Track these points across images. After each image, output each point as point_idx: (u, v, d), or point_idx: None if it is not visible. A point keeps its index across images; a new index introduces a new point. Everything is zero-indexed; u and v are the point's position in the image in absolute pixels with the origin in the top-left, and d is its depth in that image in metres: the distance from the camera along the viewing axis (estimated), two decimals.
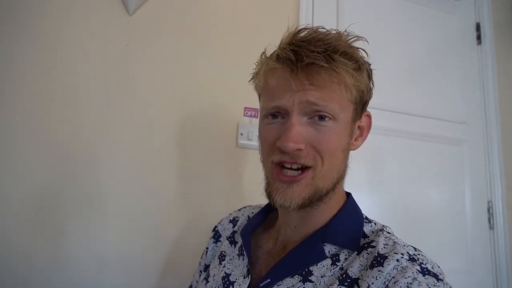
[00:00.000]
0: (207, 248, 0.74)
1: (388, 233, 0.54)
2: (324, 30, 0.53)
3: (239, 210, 0.75)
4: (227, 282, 0.59)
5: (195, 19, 1.03)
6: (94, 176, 0.88)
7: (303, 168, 0.52)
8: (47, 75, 0.87)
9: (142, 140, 0.93)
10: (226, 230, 0.72)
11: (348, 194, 0.62)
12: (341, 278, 0.50)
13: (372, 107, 1.18)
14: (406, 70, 1.32)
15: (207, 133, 1.00)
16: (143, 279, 0.89)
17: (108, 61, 0.93)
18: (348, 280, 0.49)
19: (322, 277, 0.51)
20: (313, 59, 0.49)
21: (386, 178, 1.22)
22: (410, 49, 1.33)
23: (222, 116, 1.01)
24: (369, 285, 0.47)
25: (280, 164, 0.53)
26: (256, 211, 0.69)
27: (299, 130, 0.50)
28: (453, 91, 1.38)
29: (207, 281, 0.65)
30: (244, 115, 1.03)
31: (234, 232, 0.69)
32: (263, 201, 0.68)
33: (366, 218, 0.59)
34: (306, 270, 0.53)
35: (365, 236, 0.55)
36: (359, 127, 0.58)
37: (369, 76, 0.56)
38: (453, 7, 1.43)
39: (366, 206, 1.18)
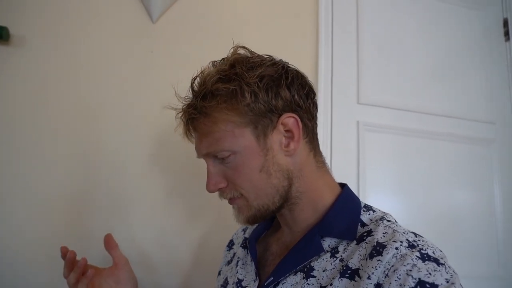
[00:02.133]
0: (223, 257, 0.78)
1: (389, 221, 0.54)
2: (203, 71, 0.59)
3: None
4: (240, 287, 0.62)
5: (217, 26, 1.04)
6: (118, 180, 0.91)
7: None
8: (73, 82, 0.91)
9: (165, 142, 0.95)
10: (238, 238, 0.75)
11: (343, 185, 0.62)
12: (342, 270, 0.50)
13: (395, 107, 1.19)
14: (430, 69, 1.29)
15: None
16: (168, 277, 0.91)
17: (133, 67, 0.96)
18: (349, 272, 0.49)
19: (324, 271, 0.52)
20: (188, 115, 0.57)
21: (411, 181, 1.20)
22: (433, 48, 1.30)
23: None
24: (369, 276, 0.47)
25: None
26: None
27: (214, 174, 0.58)
28: (480, 90, 1.34)
29: (224, 287, 0.68)
30: None
31: (246, 239, 0.71)
32: None
33: (365, 206, 0.58)
34: (308, 266, 0.53)
35: (363, 224, 0.55)
36: (287, 131, 0.56)
37: (259, 83, 0.53)
38: (478, 3, 1.39)
39: (391, 209, 1.15)
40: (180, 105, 0.60)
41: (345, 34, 1.20)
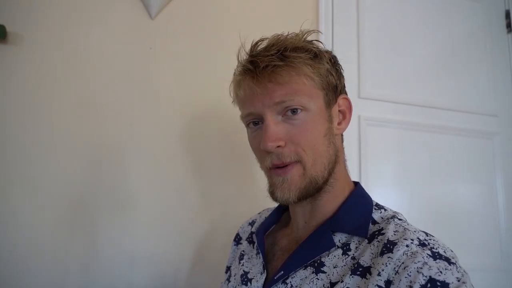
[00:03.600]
0: (230, 252, 0.78)
1: (400, 219, 0.54)
2: (280, 35, 0.57)
3: (259, 213, 0.78)
4: (246, 279, 0.62)
5: (215, 22, 1.04)
6: (122, 177, 0.91)
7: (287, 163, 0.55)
8: (71, 80, 0.90)
9: (166, 141, 0.95)
10: (245, 232, 0.75)
11: (356, 183, 0.62)
12: (353, 268, 0.50)
13: (397, 101, 1.18)
14: (431, 62, 1.28)
15: (227, 132, 1.01)
16: (173, 275, 0.91)
17: (132, 64, 0.95)
18: (360, 269, 0.49)
19: (334, 267, 0.52)
20: (268, 61, 0.53)
21: (414, 174, 1.19)
22: (435, 41, 1.29)
23: None
24: (379, 272, 0.46)
25: (273, 167, 0.55)
26: (271, 212, 0.72)
27: (275, 129, 0.54)
28: (482, 83, 1.33)
29: (229, 281, 0.68)
30: None
31: (252, 233, 0.71)
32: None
33: (377, 204, 0.58)
34: (318, 261, 0.53)
35: (375, 222, 0.55)
36: (340, 111, 0.60)
37: (332, 62, 0.59)
38: None
39: (395, 202, 1.18)
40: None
41: (346, 28, 1.19)
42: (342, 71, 0.62)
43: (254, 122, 0.58)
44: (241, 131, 1.01)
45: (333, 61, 0.59)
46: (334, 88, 0.58)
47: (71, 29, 0.91)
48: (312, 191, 0.55)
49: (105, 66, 0.93)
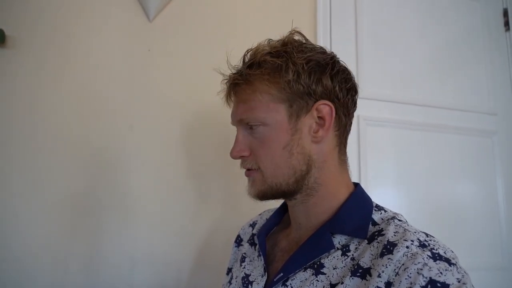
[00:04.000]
0: (231, 253, 0.78)
1: (400, 220, 0.54)
2: (259, 46, 0.60)
3: (259, 214, 0.78)
4: (247, 282, 0.62)
5: (213, 24, 1.04)
6: (122, 179, 0.91)
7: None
8: (71, 81, 0.90)
9: (166, 142, 0.95)
10: (246, 234, 0.75)
11: (356, 185, 0.62)
12: (353, 269, 0.50)
13: (396, 101, 1.19)
14: (430, 61, 1.28)
15: (225, 135, 1.00)
16: (174, 276, 0.91)
17: (130, 66, 0.95)
18: (360, 271, 0.49)
19: (334, 268, 0.52)
20: (233, 78, 0.60)
21: (414, 173, 1.19)
22: (433, 40, 1.29)
23: None
24: (379, 274, 0.46)
25: None
26: (272, 213, 0.72)
27: (241, 141, 0.60)
28: (481, 81, 1.33)
29: (230, 283, 0.68)
30: None
31: (253, 235, 0.71)
32: (278, 203, 0.69)
33: (377, 206, 0.58)
34: (318, 263, 0.53)
35: (375, 223, 0.55)
36: (319, 117, 0.56)
37: (303, 67, 0.55)
38: None
39: (394, 202, 1.18)
40: (227, 72, 0.63)
41: (343, 27, 1.19)
42: (327, 74, 0.57)
43: None
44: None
45: (307, 68, 0.55)
46: (305, 95, 0.55)
47: (70, 32, 0.91)
48: (277, 195, 0.59)
49: (104, 68, 0.93)
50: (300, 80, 0.55)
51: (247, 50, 0.61)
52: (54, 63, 0.89)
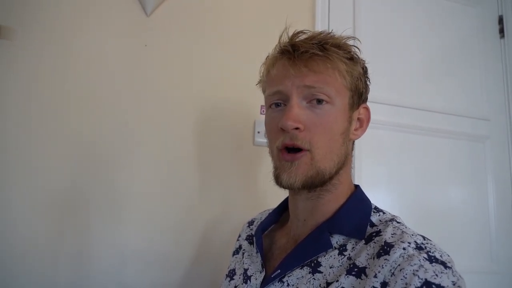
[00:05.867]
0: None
1: (398, 222, 0.54)
2: (321, 32, 0.59)
3: (260, 213, 0.79)
4: (245, 277, 0.62)
5: (211, 19, 1.03)
6: (115, 174, 0.90)
7: (296, 150, 0.55)
8: (67, 76, 0.89)
9: (161, 138, 0.95)
10: (244, 232, 0.76)
11: (356, 186, 0.62)
12: (349, 268, 0.50)
13: (391, 104, 1.19)
14: (425, 66, 1.29)
15: (224, 131, 1.00)
16: (165, 275, 0.91)
17: (127, 61, 0.94)
18: (356, 270, 0.49)
19: (331, 267, 0.52)
20: (308, 48, 0.54)
21: (406, 176, 1.20)
22: (429, 44, 1.30)
23: (239, 114, 1.02)
24: (375, 274, 0.47)
25: (283, 149, 0.56)
26: (271, 211, 0.72)
27: (298, 112, 0.54)
28: (475, 87, 1.34)
29: (231, 278, 0.68)
30: (261, 113, 1.03)
31: (252, 235, 0.72)
32: (280, 199, 0.70)
33: (376, 208, 0.59)
34: (315, 261, 0.54)
35: (373, 225, 0.55)
36: (358, 119, 0.60)
37: (363, 70, 0.60)
38: (474, 0, 1.39)
39: (386, 204, 1.18)
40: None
41: (341, 30, 1.19)
42: (369, 83, 0.63)
43: (277, 103, 0.58)
44: (236, 130, 1.01)
45: (365, 70, 0.61)
46: (360, 94, 0.59)
47: (66, 24, 0.90)
48: (318, 183, 0.55)
49: (100, 62, 0.92)
50: (363, 78, 0.60)
51: (302, 30, 0.58)
52: (49, 56, 0.88)
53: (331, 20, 1.18)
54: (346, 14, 1.21)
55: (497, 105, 1.36)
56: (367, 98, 0.63)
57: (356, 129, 0.60)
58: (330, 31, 0.59)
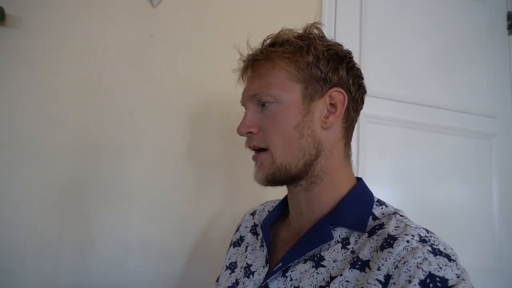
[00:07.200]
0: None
1: (401, 216, 0.54)
2: (281, 31, 0.61)
3: (262, 204, 0.79)
4: (248, 272, 0.62)
5: (217, 11, 1.03)
6: (119, 166, 0.90)
7: (260, 150, 0.59)
8: (71, 65, 0.89)
9: (164, 130, 0.94)
10: (246, 221, 0.76)
11: (359, 179, 0.62)
12: (352, 261, 0.50)
13: (396, 99, 1.18)
14: (431, 62, 1.28)
15: (227, 124, 1.00)
16: (167, 266, 0.91)
17: (133, 53, 0.94)
18: (359, 263, 0.49)
19: (334, 261, 0.52)
20: (252, 56, 0.61)
21: (410, 173, 1.20)
22: (436, 41, 1.29)
23: (243, 108, 1.01)
24: (379, 267, 0.47)
25: (253, 150, 0.61)
26: (275, 204, 0.72)
27: (250, 118, 0.60)
28: (482, 84, 1.33)
29: (232, 271, 0.68)
30: None
31: (255, 225, 0.72)
32: (279, 193, 0.69)
33: (378, 200, 0.59)
34: (318, 255, 0.54)
35: (375, 218, 0.55)
36: (331, 104, 0.58)
37: (324, 55, 0.58)
38: None
39: (389, 200, 1.16)
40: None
41: (348, 27, 1.18)
42: (343, 65, 0.59)
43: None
44: (239, 123, 1.01)
45: (327, 55, 0.58)
46: (321, 80, 0.57)
47: (71, 14, 0.90)
48: (285, 178, 0.57)
49: (105, 53, 0.92)
50: (319, 64, 0.57)
51: (268, 36, 0.62)
52: (53, 46, 0.88)
53: (337, 15, 1.17)
54: (353, 10, 1.20)
55: (504, 102, 1.35)
56: (342, 83, 0.58)
57: (327, 117, 0.57)
58: (291, 28, 0.61)
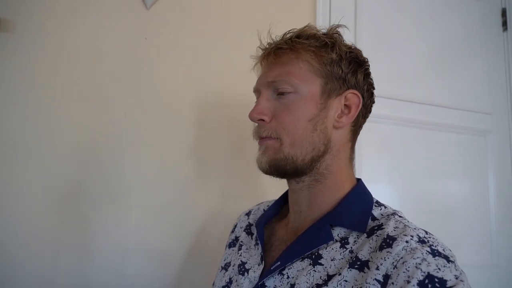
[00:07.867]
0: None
1: (400, 216, 0.54)
2: (308, 27, 0.61)
3: (257, 204, 0.79)
4: (243, 269, 0.62)
5: (212, 13, 1.02)
6: (117, 167, 0.90)
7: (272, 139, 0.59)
8: (66, 68, 0.88)
9: (160, 131, 0.94)
10: (241, 222, 0.76)
11: (358, 180, 0.63)
12: (351, 261, 0.50)
13: (391, 97, 1.18)
14: (428, 59, 1.28)
15: (223, 124, 1.00)
16: (165, 267, 0.91)
17: (127, 55, 0.94)
18: (358, 263, 0.49)
19: (332, 260, 0.52)
20: (276, 45, 0.60)
21: (407, 170, 1.20)
22: (431, 38, 1.29)
23: (239, 107, 1.01)
24: (378, 266, 0.47)
25: (257, 138, 0.61)
26: (271, 203, 0.72)
27: (264, 104, 0.59)
28: (477, 81, 1.34)
29: (226, 270, 0.68)
30: None
31: (250, 224, 0.72)
32: (279, 192, 0.70)
33: (377, 202, 0.59)
34: (316, 254, 0.54)
35: (374, 219, 0.55)
36: (346, 105, 0.59)
37: (346, 57, 0.59)
38: None
39: (387, 198, 1.18)
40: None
41: (343, 23, 1.18)
42: (362, 70, 0.61)
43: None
44: (236, 123, 1.01)
45: (349, 56, 0.60)
46: (340, 80, 0.58)
47: (65, 17, 0.89)
48: (289, 169, 0.57)
49: (99, 56, 0.91)
50: (341, 64, 0.58)
51: (290, 30, 0.61)
52: (48, 49, 0.87)
53: (332, 13, 1.16)
54: (348, 8, 1.20)
55: (499, 99, 1.36)
56: (362, 85, 0.61)
57: (340, 116, 0.58)
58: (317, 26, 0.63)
